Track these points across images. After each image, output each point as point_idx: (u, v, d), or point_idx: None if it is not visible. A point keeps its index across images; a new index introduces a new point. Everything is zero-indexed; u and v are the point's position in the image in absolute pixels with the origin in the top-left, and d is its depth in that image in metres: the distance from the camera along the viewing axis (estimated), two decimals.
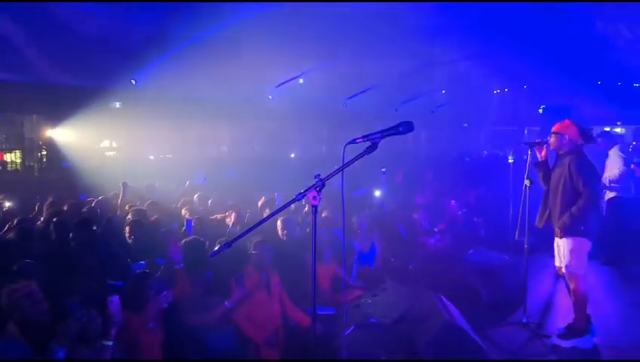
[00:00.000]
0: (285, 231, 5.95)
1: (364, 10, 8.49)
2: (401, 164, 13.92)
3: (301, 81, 12.22)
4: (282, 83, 12.34)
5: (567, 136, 4.88)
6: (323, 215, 6.97)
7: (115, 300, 3.46)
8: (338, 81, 12.75)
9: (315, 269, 2.75)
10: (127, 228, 5.54)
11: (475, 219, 8.67)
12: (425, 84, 16.22)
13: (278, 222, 6.04)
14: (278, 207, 3.44)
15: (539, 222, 5.16)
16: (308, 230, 6.36)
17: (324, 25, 8.89)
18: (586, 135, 4.90)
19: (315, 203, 2.61)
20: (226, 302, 4.44)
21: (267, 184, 9.62)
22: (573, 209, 4.71)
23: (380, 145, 2.57)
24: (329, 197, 5.83)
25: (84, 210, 6.53)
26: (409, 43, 10.58)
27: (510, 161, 9.41)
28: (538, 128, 17.26)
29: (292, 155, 15.70)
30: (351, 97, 15.22)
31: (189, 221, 6.12)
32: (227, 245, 2.78)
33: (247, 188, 9.70)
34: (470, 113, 20.96)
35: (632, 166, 7.41)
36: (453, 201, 8.75)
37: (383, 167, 11.96)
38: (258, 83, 11.66)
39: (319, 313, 4.86)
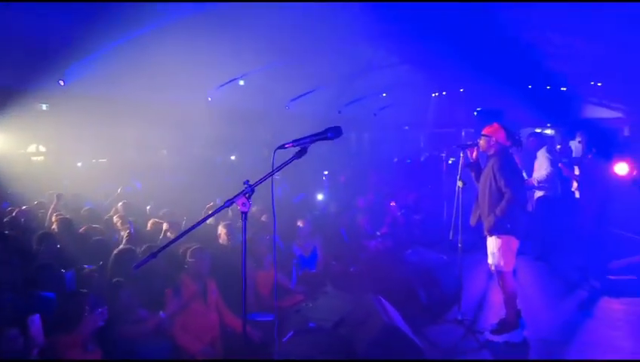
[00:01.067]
0: (230, 237, 5.79)
1: (305, 12, 8.46)
2: (345, 166, 14.03)
3: (242, 82, 12.01)
4: (222, 85, 12.09)
5: (494, 139, 5.08)
6: (262, 218, 6.88)
7: (36, 320, 3.24)
8: (280, 83, 12.65)
9: (246, 275, 2.70)
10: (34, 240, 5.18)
11: (416, 217, 8.87)
12: (367, 87, 16.43)
13: (221, 228, 5.86)
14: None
15: (472, 220, 5.34)
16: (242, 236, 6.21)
17: (264, 25, 8.77)
18: (513, 138, 5.13)
19: (244, 209, 2.56)
20: (161, 313, 4.27)
21: (208, 189, 9.34)
22: (497, 210, 4.91)
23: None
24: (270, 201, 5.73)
25: (6, 219, 6.09)
26: (349, 45, 10.68)
27: (450, 162, 9.68)
28: (473, 130, 17.97)
29: (232, 158, 15.38)
30: (294, 100, 15.17)
31: (130, 223, 5.87)
32: (153, 255, 2.66)
33: (187, 194, 9.37)
34: (410, 116, 21.49)
35: (560, 165, 7.82)
36: (392, 202, 8.89)
37: (325, 170, 12.01)
38: (197, 84, 11.34)
39: (258, 319, 4.79)
